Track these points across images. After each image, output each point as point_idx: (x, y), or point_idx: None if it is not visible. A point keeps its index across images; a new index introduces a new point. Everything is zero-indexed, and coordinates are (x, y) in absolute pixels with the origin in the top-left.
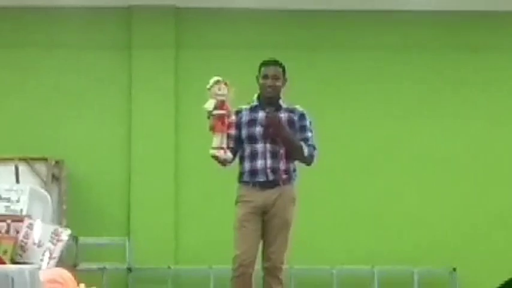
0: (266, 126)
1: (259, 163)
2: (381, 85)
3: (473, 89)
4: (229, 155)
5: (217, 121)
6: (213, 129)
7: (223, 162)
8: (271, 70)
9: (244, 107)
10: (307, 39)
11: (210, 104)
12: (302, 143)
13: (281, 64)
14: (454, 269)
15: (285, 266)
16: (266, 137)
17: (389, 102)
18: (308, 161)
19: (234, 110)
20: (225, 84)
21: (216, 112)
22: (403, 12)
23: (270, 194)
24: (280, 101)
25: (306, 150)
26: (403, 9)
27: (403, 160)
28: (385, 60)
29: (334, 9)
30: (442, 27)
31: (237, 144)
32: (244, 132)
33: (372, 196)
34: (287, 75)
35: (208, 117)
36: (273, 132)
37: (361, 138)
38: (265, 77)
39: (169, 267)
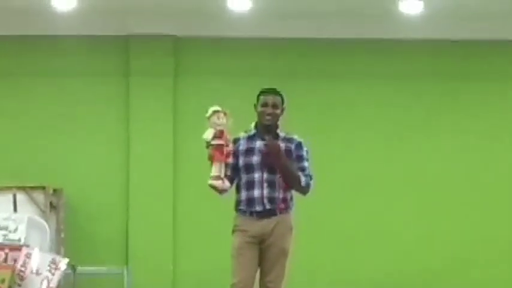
0: (265, 154)
1: (256, 192)
2: (376, 111)
3: (467, 115)
4: (227, 184)
5: (216, 151)
6: (211, 158)
7: (221, 192)
8: (270, 98)
9: (241, 135)
10: (306, 68)
11: (208, 134)
12: (299, 173)
13: (280, 93)
14: None
15: None
16: (265, 164)
17: (387, 128)
18: (305, 190)
19: (232, 138)
20: (224, 113)
21: (214, 142)
22: (398, 41)
23: (267, 223)
24: (278, 130)
25: (303, 180)
26: (397, 38)
27: (402, 184)
28: (380, 87)
29: (332, 37)
30: (436, 56)
31: (234, 173)
32: (241, 161)
33: (371, 220)
34: (285, 104)
35: (207, 147)
36: (272, 160)
37: (358, 163)
38: (265, 105)
39: None
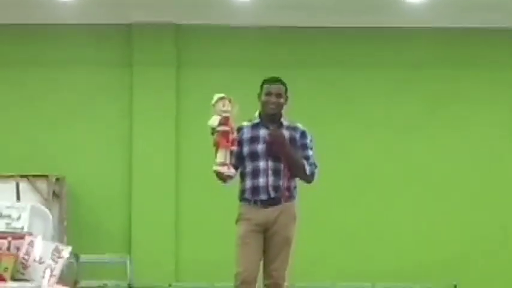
0: (269, 143)
1: (261, 181)
2: (379, 100)
3: (471, 104)
4: (232, 170)
5: (222, 137)
6: (217, 145)
7: (226, 179)
8: (274, 88)
9: (245, 124)
10: (309, 57)
11: (214, 120)
12: (304, 161)
13: (283, 82)
14: (455, 286)
15: (286, 283)
16: (269, 154)
17: (389, 118)
18: (309, 179)
19: (236, 126)
20: (229, 100)
21: (220, 128)
22: (402, 30)
23: (271, 212)
24: (282, 119)
25: (307, 169)
26: (401, 26)
27: (404, 177)
28: (384, 75)
29: (336, 26)
30: (441, 44)
31: (238, 161)
32: (245, 150)
33: (373, 213)
34: (288, 93)
35: (213, 134)
36: (276, 150)
37: (361, 155)
38: (269, 94)
39: (170, 285)
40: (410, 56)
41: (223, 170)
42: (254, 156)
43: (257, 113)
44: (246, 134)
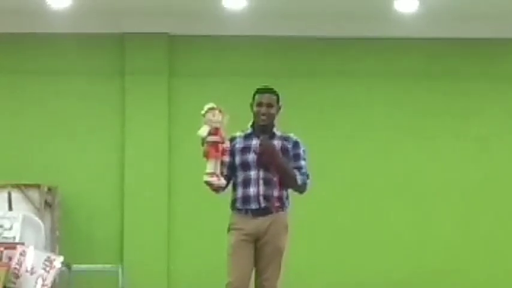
0: (260, 154)
1: (252, 190)
2: (371, 110)
3: (463, 114)
4: (222, 181)
5: (211, 147)
6: (207, 155)
7: (217, 189)
8: (265, 98)
9: (238, 134)
10: (301, 67)
11: (203, 130)
12: (296, 171)
13: (275, 92)
14: None
15: None
16: (260, 164)
17: (385, 127)
18: (301, 189)
19: (227, 136)
20: (219, 111)
21: (210, 138)
22: (393, 40)
23: (262, 222)
24: (274, 129)
25: (299, 179)
26: (393, 36)
27: (399, 186)
28: (375, 86)
29: (328, 36)
30: (432, 55)
31: (231, 171)
32: (237, 159)
33: (367, 222)
34: (281, 102)
35: (202, 144)
36: (267, 160)
37: (355, 164)
38: (260, 104)
39: None
40: (406, 66)
41: (213, 180)
42: (245, 166)
43: (250, 123)
44: (239, 144)
